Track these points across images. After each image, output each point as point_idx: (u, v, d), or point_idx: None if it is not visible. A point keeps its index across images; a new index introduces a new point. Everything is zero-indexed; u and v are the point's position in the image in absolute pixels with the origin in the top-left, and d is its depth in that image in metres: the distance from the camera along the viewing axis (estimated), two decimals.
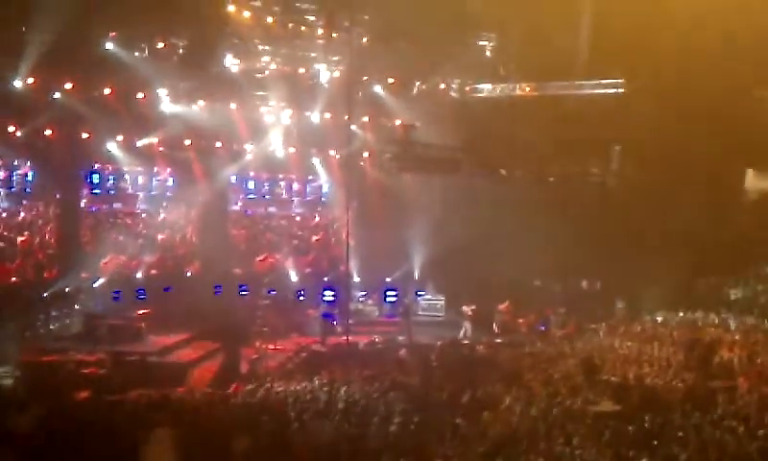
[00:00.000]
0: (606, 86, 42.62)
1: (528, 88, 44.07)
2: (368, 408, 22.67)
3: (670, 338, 35.78)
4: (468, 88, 45.16)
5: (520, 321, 41.98)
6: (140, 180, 44.09)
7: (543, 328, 40.94)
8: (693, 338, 34.10)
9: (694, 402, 24.04)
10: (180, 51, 37.87)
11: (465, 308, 41.40)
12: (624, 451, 18.51)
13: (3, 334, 31.24)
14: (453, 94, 45.11)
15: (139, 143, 41.29)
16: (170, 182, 44.51)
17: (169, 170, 43.89)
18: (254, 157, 45.42)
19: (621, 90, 42.45)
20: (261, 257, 45.12)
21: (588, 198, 44.74)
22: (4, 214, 39.79)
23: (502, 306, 42.06)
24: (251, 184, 48.16)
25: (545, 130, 42.46)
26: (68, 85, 36.33)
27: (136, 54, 37.52)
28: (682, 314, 40.86)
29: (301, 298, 42.97)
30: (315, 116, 44.15)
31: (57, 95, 36.35)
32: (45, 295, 35.79)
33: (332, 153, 46.57)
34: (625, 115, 41.43)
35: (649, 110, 40.48)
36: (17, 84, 35.12)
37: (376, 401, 24.17)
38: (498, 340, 38.81)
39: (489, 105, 44.63)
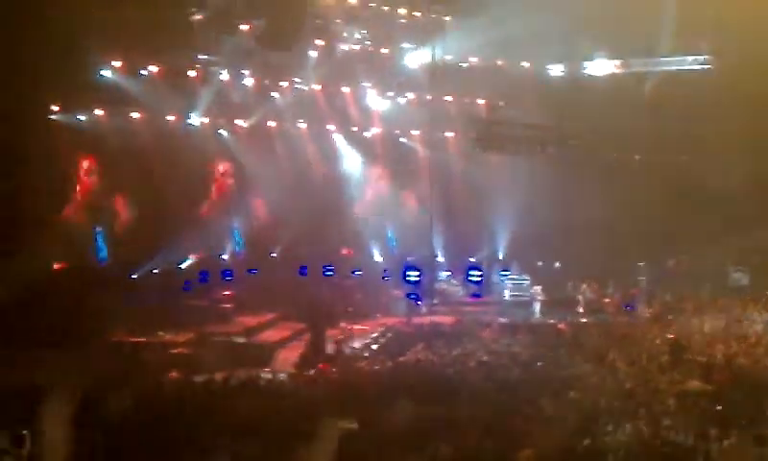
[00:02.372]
0: (692, 63, 41.85)
1: (613, 66, 43.53)
2: (453, 388, 22.67)
3: (759, 317, 35.33)
4: (551, 66, 44.80)
5: (607, 300, 41.64)
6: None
7: (630, 308, 40.53)
8: None
9: None
10: (264, 32, 38.00)
11: (536, 288, 41.27)
12: (712, 431, 18.27)
13: (96, 315, 31.62)
14: (538, 73, 44.74)
15: (222, 125, 41.70)
16: (256, 165, 44.52)
17: (255, 152, 43.92)
18: (337, 137, 45.61)
19: (708, 67, 41.61)
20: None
21: (675, 177, 44.01)
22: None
23: (585, 286, 41.81)
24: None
25: (631, 109, 41.85)
26: (154, 69, 36.82)
27: (220, 36, 37.89)
28: None
29: (386, 278, 43.08)
30: (398, 96, 44.21)
31: (142, 79, 36.88)
32: (134, 276, 36.28)
33: (415, 132, 46.35)
34: (713, 95, 40.58)
35: (739, 89, 39.65)
36: (104, 70, 35.75)
37: (461, 381, 24.20)
38: (584, 319, 38.63)
39: (573, 83, 44.19)
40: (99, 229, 37.28)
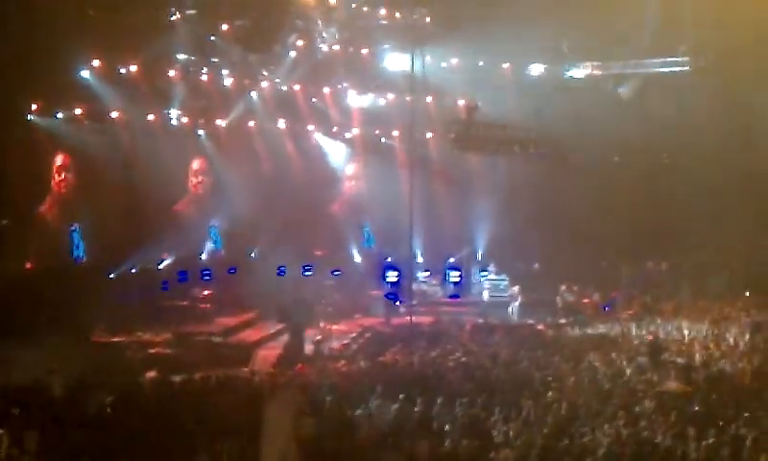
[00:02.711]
0: (671, 65, 41.76)
1: (592, 67, 43.53)
2: (431, 389, 22.63)
3: (737, 319, 35.41)
4: (531, 67, 44.80)
5: (585, 301, 41.65)
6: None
7: (608, 309, 40.58)
8: (760, 320, 33.75)
9: (761, 384, 23.84)
10: (244, 33, 37.86)
11: (515, 289, 41.29)
12: (689, 432, 18.32)
13: (73, 314, 31.45)
14: (517, 74, 44.72)
15: (201, 125, 41.71)
16: (235, 165, 44.30)
17: (234, 152, 43.71)
18: (317, 137, 45.64)
19: (687, 69, 41.55)
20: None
21: (655, 178, 44.06)
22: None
23: (564, 287, 41.82)
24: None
25: (611, 111, 41.82)
26: (133, 68, 36.69)
27: (200, 36, 37.79)
28: (748, 294, 40.37)
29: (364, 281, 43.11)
30: (378, 96, 44.23)
31: (121, 78, 36.73)
32: (112, 276, 36.12)
33: (395, 133, 46.31)
34: (693, 96, 40.56)
35: (719, 89, 39.72)
36: (83, 69, 35.62)
37: (440, 382, 24.18)
38: (562, 320, 38.65)
39: (552, 84, 44.15)
40: (76, 227, 37.05)
